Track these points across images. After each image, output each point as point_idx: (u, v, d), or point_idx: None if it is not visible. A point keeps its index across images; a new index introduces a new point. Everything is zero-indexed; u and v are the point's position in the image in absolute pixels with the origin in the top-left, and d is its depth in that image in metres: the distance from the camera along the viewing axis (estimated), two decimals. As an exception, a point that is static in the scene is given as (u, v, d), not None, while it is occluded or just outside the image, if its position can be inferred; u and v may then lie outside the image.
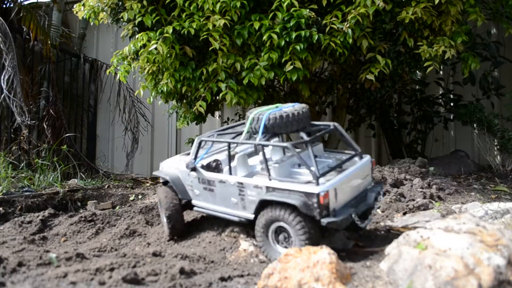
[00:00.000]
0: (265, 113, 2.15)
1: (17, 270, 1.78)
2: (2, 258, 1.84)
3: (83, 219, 3.15)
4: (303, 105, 2.24)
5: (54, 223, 3.23)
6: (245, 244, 2.28)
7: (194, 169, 2.43)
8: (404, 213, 2.84)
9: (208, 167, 2.49)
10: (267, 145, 2.11)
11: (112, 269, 1.73)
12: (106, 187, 4.53)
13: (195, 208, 2.54)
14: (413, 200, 3.07)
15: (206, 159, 2.56)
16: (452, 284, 1.40)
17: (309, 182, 1.98)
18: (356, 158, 2.23)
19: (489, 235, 1.61)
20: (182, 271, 1.74)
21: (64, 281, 1.63)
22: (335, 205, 1.94)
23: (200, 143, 2.46)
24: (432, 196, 3.22)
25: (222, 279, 1.73)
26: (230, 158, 2.30)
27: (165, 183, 2.67)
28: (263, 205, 2.09)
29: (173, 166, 2.66)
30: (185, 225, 2.63)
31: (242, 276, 1.79)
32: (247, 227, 2.44)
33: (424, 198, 3.14)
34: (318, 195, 1.88)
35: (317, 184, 1.92)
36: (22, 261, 1.85)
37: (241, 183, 2.19)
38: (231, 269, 1.92)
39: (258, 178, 2.18)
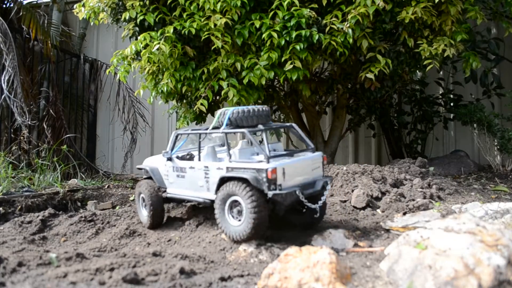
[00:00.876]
0: (230, 108, 2.51)
1: (17, 270, 1.78)
2: (2, 258, 1.84)
3: (83, 219, 3.15)
4: (263, 106, 2.60)
5: (54, 223, 3.23)
6: (245, 244, 2.28)
7: (170, 159, 2.77)
8: (404, 213, 2.84)
9: (182, 158, 2.83)
10: (229, 132, 2.45)
11: (112, 269, 1.73)
12: (106, 187, 4.54)
13: (168, 195, 2.82)
14: (413, 200, 3.07)
15: (182, 152, 2.92)
16: (452, 284, 1.40)
17: (261, 161, 2.31)
18: (309, 152, 2.51)
19: (489, 235, 1.61)
20: (182, 271, 1.74)
21: (64, 281, 1.63)
22: (282, 182, 2.22)
23: (176, 136, 2.79)
24: (432, 196, 3.22)
25: (222, 279, 1.73)
26: (200, 148, 2.65)
27: (148, 178, 3.01)
28: (222, 182, 2.39)
29: (154, 161, 3.03)
30: (163, 217, 2.94)
31: (242, 276, 1.79)
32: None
33: (424, 198, 3.14)
34: (266, 170, 2.18)
35: (267, 162, 2.24)
36: (22, 261, 1.85)
37: (207, 167, 2.51)
38: (231, 269, 1.92)
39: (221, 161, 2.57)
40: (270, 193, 2.18)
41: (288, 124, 2.70)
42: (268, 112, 2.59)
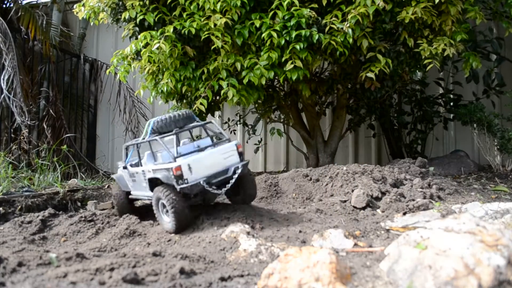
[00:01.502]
0: (153, 119, 2.85)
1: (17, 270, 1.78)
2: (2, 258, 1.84)
3: (83, 219, 3.14)
4: (184, 110, 2.91)
5: (54, 223, 3.22)
6: (245, 244, 2.28)
7: (125, 167, 3.13)
8: (404, 213, 2.84)
9: (135, 165, 3.18)
10: (150, 140, 2.79)
11: (112, 269, 1.73)
12: (106, 187, 4.53)
13: (130, 197, 3.22)
14: (413, 200, 3.07)
15: (135, 160, 3.26)
16: (452, 284, 1.40)
17: (170, 162, 2.63)
18: (225, 143, 2.76)
19: (489, 235, 1.61)
20: (182, 271, 1.74)
21: (64, 281, 1.63)
22: (188, 176, 2.52)
23: (126, 148, 3.16)
24: (432, 196, 3.22)
25: (222, 279, 1.73)
26: (140, 156, 3.02)
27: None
28: (151, 183, 2.76)
29: (119, 171, 3.35)
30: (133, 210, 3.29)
31: (242, 276, 1.79)
32: (247, 228, 2.44)
33: (424, 198, 3.13)
34: (171, 169, 2.50)
35: (174, 161, 2.57)
36: (22, 261, 1.85)
37: (143, 171, 2.86)
38: (231, 269, 1.92)
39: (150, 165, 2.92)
40: (178, 187, 2.50)
41: (202, 122, 2.94)
42: (188, 115, 2.88)
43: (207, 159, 2.60)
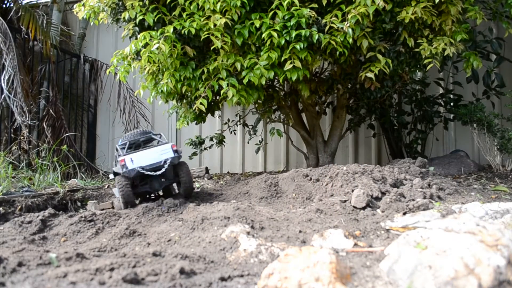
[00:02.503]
0: (127, 133, 3.87)
1: (17, 270, 1.78)
2: (2, 258, 1.84)
3: (83, 219, 3.14)
4: (144, 129, 3.90)
5: (54, 223, 3.22)
6: (245, 244, 2.28)
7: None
8: (404, 213, 2.84)
9: None
10: (118, 149, 3.67)
11: (112, 269, 1.72)
12: (106, 187, 4.53)
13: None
14: (413, 200, 3.07)
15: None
16: (452, 284, 1.40)
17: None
18: (164, 145, 3.55)
19: (489, 235, 1.61)
20: (182, 271, 1.74)
21: (64, 281, 1.63)
22: (130, 166, 3.39)
23: (117, 150, 3.78)
24: (432, 196, 3.22)
25: (222, 279, 1.73)
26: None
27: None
28: (115, 175, 3.61)
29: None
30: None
31: (242, 276, 1.79)
32: (247, 228, 2.44)
33: (424, 198, 3.13)
34: (119, 161, 3.40)
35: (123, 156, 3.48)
36: (22, 261, 1.85)
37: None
38: (231, 269, 1.92)
39: None
40: (121, 173, 3.41)
41: (154, 133, 3.87)
42: (146, 131, 3.86)
43: (145, 154, 3.46)
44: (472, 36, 4.70)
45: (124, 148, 3.67)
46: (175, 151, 3.54)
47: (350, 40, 3.53)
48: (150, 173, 3.45)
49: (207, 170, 6.14)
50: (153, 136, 3.87)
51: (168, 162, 3.46)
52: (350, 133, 6.21)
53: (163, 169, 3.45)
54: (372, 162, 6.40)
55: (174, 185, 4.14)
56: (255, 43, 3.78)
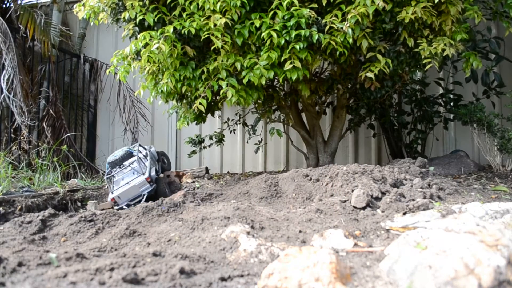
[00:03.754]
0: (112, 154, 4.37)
1: (17, 270, 1.78)
2: (2, 258, 1.84)
3: (83, 219, 3.14)
4: (127, 149, 4.39)
5: (54, 223, 3.22)
6: (245, 244, 2.28)
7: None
8: (404, 213, 2.84)
9: None
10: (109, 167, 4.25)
11: (112, 269, 1.72)
12: (106, 187, 4.53)
13: None
14: (413, 200, 3.07)
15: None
16: (452, 284, 1.40)
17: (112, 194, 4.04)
18: (140, 177, 4.09)
19: (489, 235, 1.61)
20: (182, 271, 1.74)
21: (64, 281, 1.63)
22: (120, 202, 3.95)
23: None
24: (432, 196, 3.22)
25: (222, 279, 1.73)
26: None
27: None
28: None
29: None
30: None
31: (242, 276, 1.79)
32: (247, 228, 2.44)
33: (424, 198, 3.13)
34: (111, 199, 3.97)
35: (110, 172, 4.23)
36: (22, 261, 1.85)
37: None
38: (231, 269, 1.92)
39: None
40: (115, 208, 3.79)
41: (136, 156, 4.25)
42: (129, 152, 4.33)
43: (129, 191, 3.97)
44: (471, 36, 4.70)
45: (111, 171, 4.32)
46: (149, 182, 4.07)
47: (350, 40, 3.53)
48: (132, 203, 4.09)
49: (207, 170, 6.14)
50: (133, 152, 4.34)
51: (146, 194, 4.03)
52: (350, 133, 6.21)
53: (143, 199, 4.02)
54: (372, 162, 6.41)
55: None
56: (255, 43, 3.78)
